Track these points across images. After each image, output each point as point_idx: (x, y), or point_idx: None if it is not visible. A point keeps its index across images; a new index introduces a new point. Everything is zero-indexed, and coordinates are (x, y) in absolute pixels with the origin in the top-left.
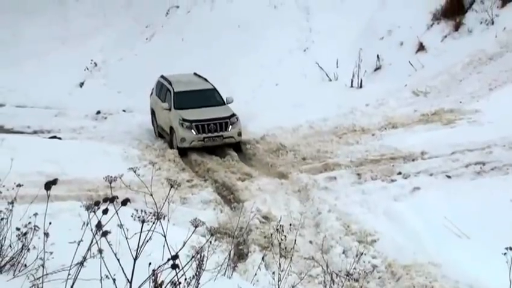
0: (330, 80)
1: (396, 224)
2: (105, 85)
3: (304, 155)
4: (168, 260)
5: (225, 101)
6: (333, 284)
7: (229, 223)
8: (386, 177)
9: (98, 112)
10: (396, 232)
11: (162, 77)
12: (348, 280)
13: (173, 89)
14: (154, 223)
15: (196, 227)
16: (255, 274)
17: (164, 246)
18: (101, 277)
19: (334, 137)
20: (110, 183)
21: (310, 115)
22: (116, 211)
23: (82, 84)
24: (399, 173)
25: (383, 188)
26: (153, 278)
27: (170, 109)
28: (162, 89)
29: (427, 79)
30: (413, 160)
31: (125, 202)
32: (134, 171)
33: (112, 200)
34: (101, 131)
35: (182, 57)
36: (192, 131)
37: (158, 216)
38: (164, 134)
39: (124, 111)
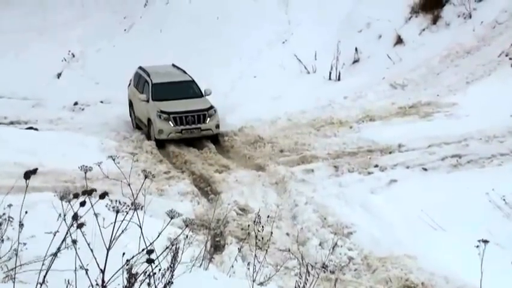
0: (309, 72)
1: (372, 216)
2: (83, 76)
3: (282, 147)
4: (143, 250)
5: (203, 93)
6: (309, 276)
7: (206, 215)
8: (363, 169)
9: (76, 103)
10: (373, 224)
11: (140, 68)
12: (324, 272)
13: (151, 81)
14: (127, 213)
15: (172, 218)
16: (232, 266)
17: (140, 237)
18: (76, 268)
19: (312, 129)
20: (85, 172)
21: (289, 107)
22: (93, 205)
23: (59, 75)
24: (376, 166)
25: (360, 181)
26: (127, 268)
27: (148, 101)
28: (140, 80)
29: (405, 72)
30: (390, 153)
31: (103, 195)
32: (113, 159)
33: (90, 192)
34: (78, 122)
35: (160, 49)
36: (170, 122)
37: (136, 207)
38: (142, 126)
39: (101, 102)
